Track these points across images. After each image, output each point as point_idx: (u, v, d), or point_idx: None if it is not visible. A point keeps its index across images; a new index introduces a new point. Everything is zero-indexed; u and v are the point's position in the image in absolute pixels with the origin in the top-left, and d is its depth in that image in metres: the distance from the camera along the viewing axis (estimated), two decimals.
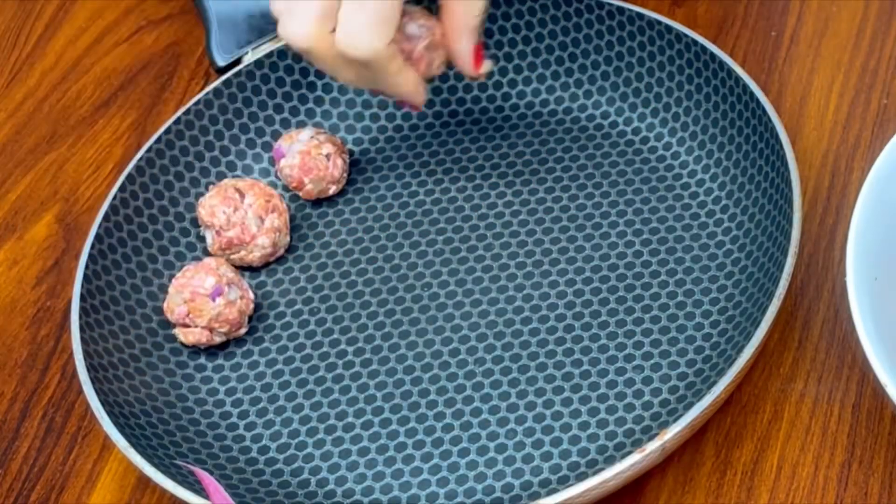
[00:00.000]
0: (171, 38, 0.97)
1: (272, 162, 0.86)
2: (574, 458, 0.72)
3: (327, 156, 0.84)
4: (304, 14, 0.72)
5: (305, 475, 0.74)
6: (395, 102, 0.83)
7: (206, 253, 0.83)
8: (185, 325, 0.78)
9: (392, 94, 0.78)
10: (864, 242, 0.70)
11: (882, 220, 0.71)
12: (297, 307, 0.81)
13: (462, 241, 0.82)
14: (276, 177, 0.86)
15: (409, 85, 0.76)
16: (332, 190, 0.85)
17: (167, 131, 0.85)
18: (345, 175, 0.85)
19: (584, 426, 0.73)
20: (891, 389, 0.65)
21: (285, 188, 0.85)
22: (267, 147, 0.87)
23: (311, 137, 0.84)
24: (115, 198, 0.82)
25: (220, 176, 0.86)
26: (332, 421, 0.76)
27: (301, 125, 0.88)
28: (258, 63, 0.87)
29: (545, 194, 0.83)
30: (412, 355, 0.77)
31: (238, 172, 0.86)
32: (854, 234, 0.70)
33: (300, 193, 0.84)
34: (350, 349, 0.78)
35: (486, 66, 0.78)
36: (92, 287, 0.79)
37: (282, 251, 0.83)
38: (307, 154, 0.83)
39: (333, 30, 0.72)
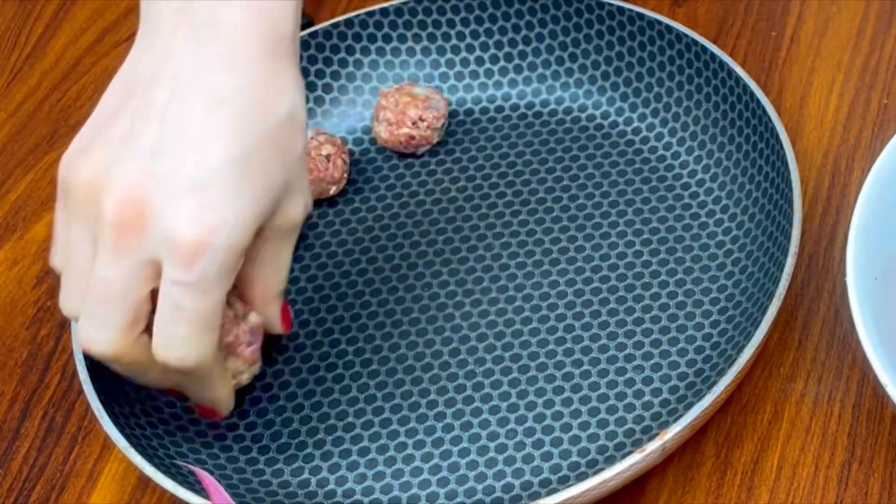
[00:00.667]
0: None
1: None
2: (574, 458, 0.72)
3: (327, 156, 0.84)
4: (110, 320, 0.64)
5: (305, 475, 0.74)
6: (198, 412, 0.74)
7: None
8: None
9: (203, 399, 0.71)
10: (864, 242, 0.70)
11: (882, 220, 0.71)
12: (297, 307, 0.81)
13: (462, 241, 0.82)
14: None
15: (225, 391, 0.71)
16: (333, 190, 0.85)
17: None
18: (345, 175, 0.85)
19: (584, 426, 0.73)
20: (891, 389, 0.65)
21: None
22: None
23: (311, 138, 0.84)
24: None
25: None
26: (332, 421, 0.76)
27: None
28: None
29: (545, 194, 0.83)
30: (412, 355, 0.78)
31: None
32: (854, 234, 0.70)
33: None
34: (350, 349, 0.78)
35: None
36: None
37: None
38: (307, 155, 0.83)
39: (143, 331, 0.65)
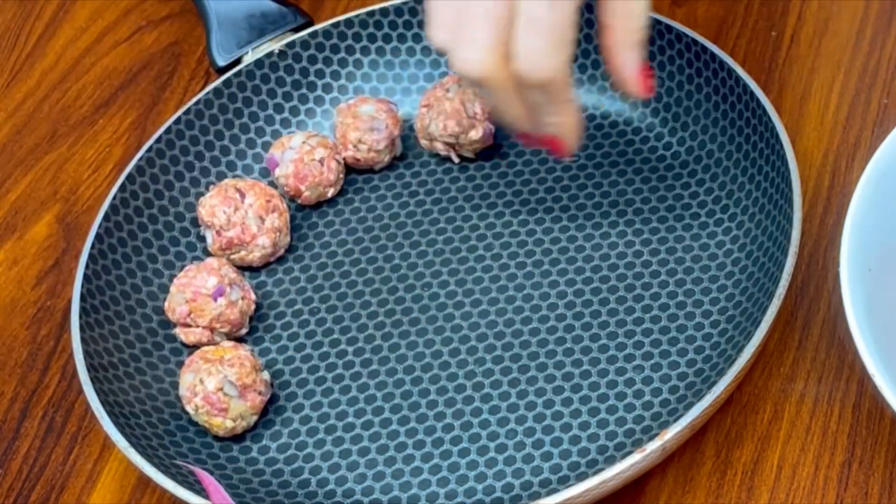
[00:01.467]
0: (171, 37, 0.97)
1: (267, 173, 0.86)
2: (574, 458, 0.72)
3: (321, 160, 0.84)
4: (478, 42, 0.68)
5: (305, 475, 0.74)
6: (548, 149, 0.77)
7: (207, 253, 0.83)
8: (186, 325, 0.78)
9: (558, 127, 0.73)
10: (859, 233, 0.70)
11: (879, 213, 0.71)
12: (297, 307, 0.81)
13: (462, 240, 0.82)
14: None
15: (575, 116, 0.73)
16: (331, 192, 0.85)
17: (167, 131, 0.85)
18: (341, 176, 0.85)
19: (584, 426, 0.73)
20: (878, 380, 0.65)
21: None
22: (267, 147, 0.87)
23: (303, 143, 0.84)
24: (115, 198, 0.82)
25: (221, 176, 0.86)
26: (332, 421, 0.76)
27: (301, 125, 0.88)
28: (258, 63, 0.87)
29: (545, 194, 0.83)
30: (412, 355, 0.77)
31: (238, 172, 0.86)
32: (850, 225, 0.70)
33: (299, 200, 0.84)
34: (350, 349, 0.78)
35: (653, 87, 0.73)
36: (92, 287, 0.79)
37: (282, 251, 0.83)
38: (300, 161, 0.83)
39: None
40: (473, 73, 0.69)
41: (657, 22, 0.83)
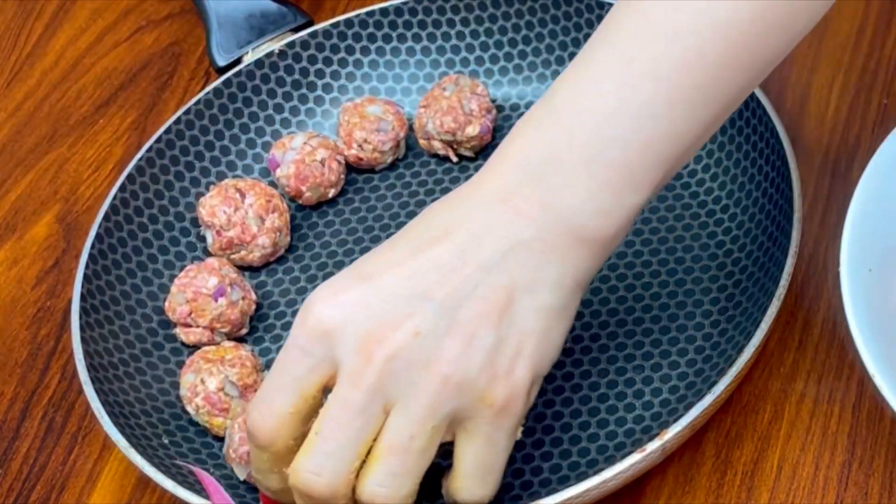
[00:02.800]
0: (171, 37, 0.97)
1: (267, 173, 0.86)
2: (574, 458, 0.72)
3: (322, 161, 0.84)
4: (336, 457, 0.63)
5: None
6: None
7: (207, 253, 0.83)
8: (187, 325, 0.78)
9: None
10: (859, 234, 0.70)
11: (879, 213, 0.71)
12: (297, 307, 0.81)
13: None
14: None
15: None
16: (332, 193, 0.85)
17: (167, 131, 0.85)
18: (342, 177, 0.85)
19: (584, 426, 0.73)
20: (878, 380, 0.65)
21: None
22: (267, 147, 0.87)
23: (304, 143, 0.84)
24: (115, 198, 0.82)
25: (221, 176, 0.86)
26: None
27: (301, 125, 0.88)
28: (258, 63, 0.87)
29: None
30: None
31: (238, 172, 0.86)
32: (850, 225, 0.70)
33: (300, 201, 0.84)
34: None
35: None
36: (92, 287, 0.79)
37: (282, 251, 0.83)
38: (301, 162, 0.83)
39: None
40: (318, 491, 0.63)
41: None
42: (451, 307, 0.62)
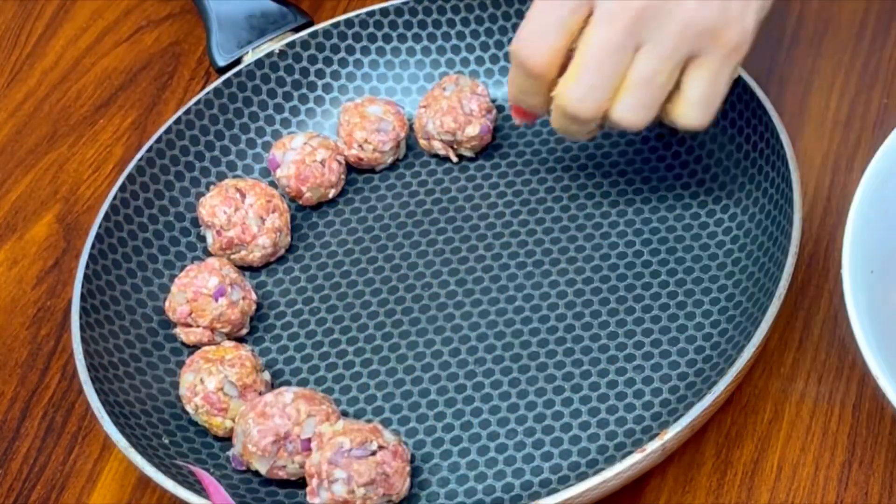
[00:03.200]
0: (172, 37, 0.97)
1: (267, 173, 0.86)
2: (574, 458, 0.72)
3: (322, 162, 0.84)
4: (597, 91, 0.73)
5: None
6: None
7: (207, 253, 0.83)
8: (187, 325, 0.78)
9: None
10: (861, 235, 0.70)
11: (880, 214, 0.71)
12: (297, 307, 0.81)
13: (462, 240, 0.82)
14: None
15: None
16: (332, 193, 0.85)
17: (167, 131, 0.85)
18: (342, 177, 0.85)
19: (584, 426, 0.73)
20: (882, 382, 0.65)
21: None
22: (267, 147, 0.87)
23: (304, 144, 0.84)
24: (115, 198, 0.82)
25: (221, 176, 0.86)
26: None
27: (301, 125, 0.88)
28: (258, 63, 0.87)
29: (545, 194, 0.83)
30: (412, 355, 0.77)
31: (238, 172, 0.86)
32: (851, 227, 0.70)
33: (300, 201, 0.84)
34: (350, 349, 0.78)
35: None
36: (92, 287, 0.79)
37: (282, 251, 0.83)
38: (301, 163, 0.83)
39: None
40: (583, 114, 0.73)
41: None
42: None
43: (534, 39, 0.73)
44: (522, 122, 0.81)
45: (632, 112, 0.73)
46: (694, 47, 0.72)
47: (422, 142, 0.85)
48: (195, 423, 0.76)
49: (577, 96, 0.73)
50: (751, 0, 0.72)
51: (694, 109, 0.74)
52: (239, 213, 0.81)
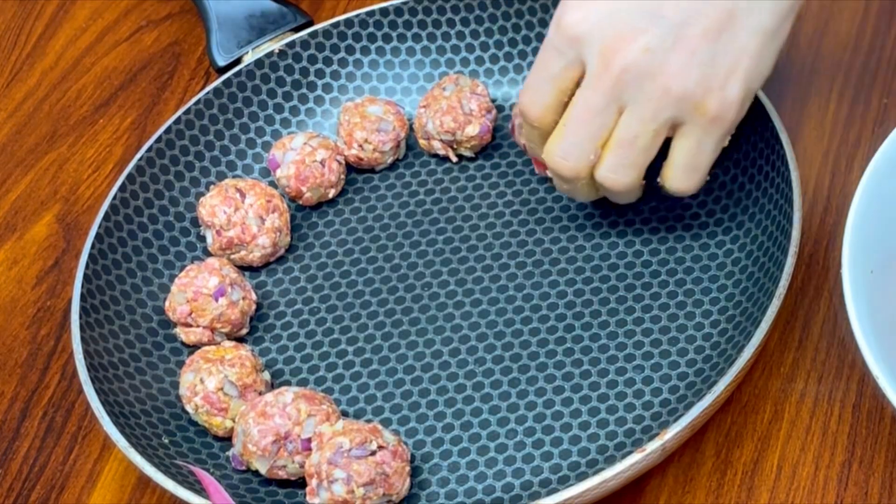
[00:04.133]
0: (171, 37, 0.97)
1: (267, 172, 0.86)
2: (574, 458, 0.72)
3: (322, 162, 0.84)
4: (579, 149, 0.74)
5: None
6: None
7: (207, 253, 0.83)
8: (187, 325, 0.78)
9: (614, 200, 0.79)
10: (860, 235, 0.70)
11: (880, 214, 0.71)
12: (297, 307, 0.81)
13: (462, 240, 0.82)
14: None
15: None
16: (332, 193, 0.85)
17: (167, 131, 0.85)
18: (342, 177, 0.85)
19: (584, 426, 0.73)
20: (882, 382, 0.65)
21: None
22: (267, 147, 0.87)
23: (304, 144, 0.84)
24: (115, 197, 0.82)
25: (221, 176, 0.86)
26: None
27: (301, 125, 0.88)
28: (258, 63, 0.87)
29: (545, 193, 0.83)
30: (412, 355, 0.77)
31: (238, 172, 0.86)
32: (851, 227, 0.70)
33: (300, 201, 0.84)
34: (350, 349, 0.78)
35: None
36: (92, 287, 0.79)
37: (282, 251, 0.83)
38: (301, 163, 0.83)
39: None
40: (565, 172, 0.75)
41: None
42: (679, 24, 0.71)
43: (531, 92, 0.75)
44: (541, 173, 0.83)
45: (614, 172, 0.74)
46: (675, 113, 0.72)
47: (422, 142, 0.85)
48: (195, 423, 0.76)
49: (559, 154, 0.74)
50: (736, 70, 0.71)
51: (678, 175, 0.74)
52: (239, 213, 0.81)
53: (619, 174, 0.74)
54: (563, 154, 0.74)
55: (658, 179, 0.75)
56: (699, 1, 0.70)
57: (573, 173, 0.74)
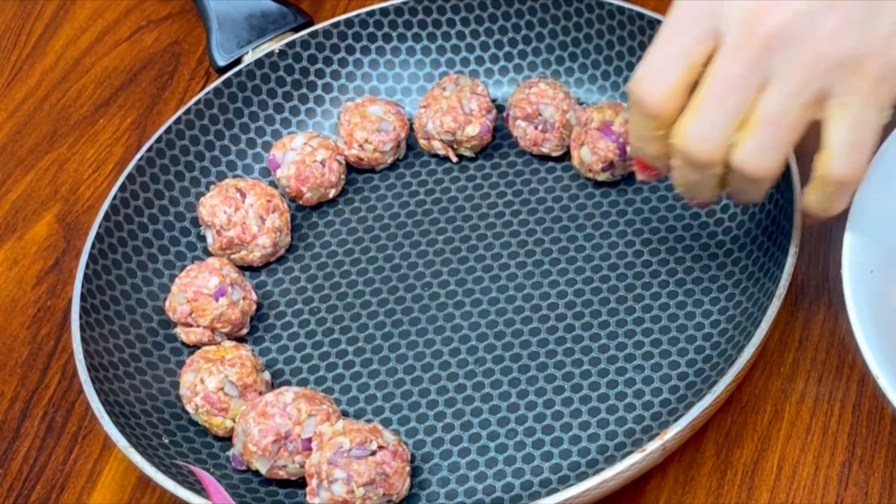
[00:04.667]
0: (172, 37, 0.97)
1: (267, 172, 0.86)
2: (574, 458, 0.72)
3: (322, 162, 0.84)
4: (717, 128, 0.66)
5: None
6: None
7: (207, 253, 0.83)
8: (187, 325, 0.78)
9: (737, 199, 0.72)
10: (861, 235, 0.70)
11: (880, 214, 0.71)
12: (297, 307, 0.81)
13: (462, 240, 0.82)
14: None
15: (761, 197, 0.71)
16: (332, 193, 0.85)
17: (167, 131, 0.85)
18: (342, 177, 0.85)
19: (584, 426, 0.73)
20: (882, 382, 0.65)
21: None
22: (267, 147, 0.87)
23: (304, 144, 0.84)
24: (115, 197, 0.82)
25: (221, 175, 0.86)
26: None
27: (301, 125, 0.88)
28: (258, 63, 0.87)
29: (545, 193, 0.83)
30: (412, 355, 0.78)
31: (238, 172, 0.86)
32: (850, 227, 0.70)
33: (300, 202, 0.84)
34: (350, 349, 0.78)
35: None
36: (92, 287, 0.79)
37: (282, 251, 0.83)
38: (301, 163, 0.83)
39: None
40: (701, 156, 0.67)
41: (657, 21, 0.83)
42: None
43: (652, 75, 0.67)
44: (646, 179, 0.74)
45: (757, 155, 0.66)
46: (830, 82, 0.64)
47: (422, 142, 0.85)
48: (195, 423, 0.76)
49: (696, 134, 0.66)
50: None
51: (842, 157, 0.66)
52: (239, 212, 0.81)
53: (764, 157, 0.66)
54: (700, 135, 0.66)
55: (814, 171, 0.67)
56: None
57: (710, 158, 0.66)
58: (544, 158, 0.85)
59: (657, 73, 0.67)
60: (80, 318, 0.77)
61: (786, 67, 0.64)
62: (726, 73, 0.65)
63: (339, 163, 0.84)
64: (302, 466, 0.72)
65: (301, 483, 0.73)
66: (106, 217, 0.81)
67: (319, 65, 0.89)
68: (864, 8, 0.64)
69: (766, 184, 0.68)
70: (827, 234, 0.80)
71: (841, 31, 0.64)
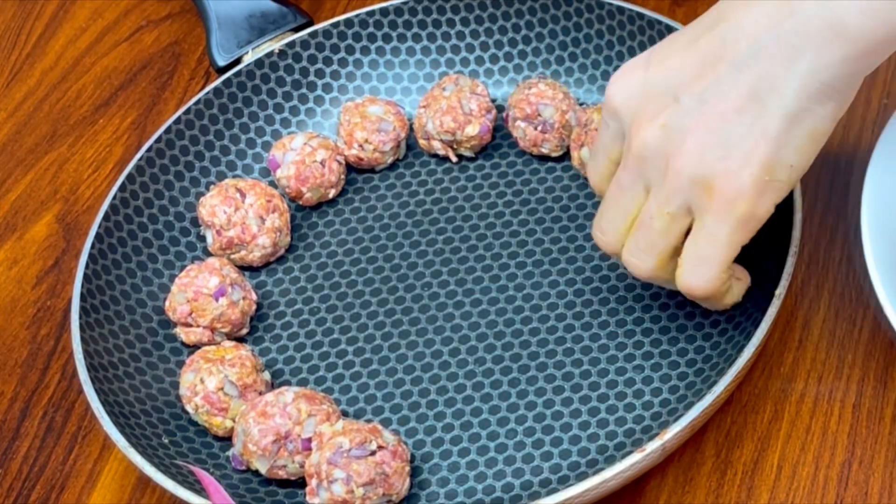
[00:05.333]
0: (171, 37, 0.97)
1: (267, 172, 0.86)
2: (574, 458, 0.72)
3: (322, 162, 0.84)
4: (654, 251, 0.70)
5: None
6: None
7: (207, 253, 0.83)
8: (187, 325, 0.78)
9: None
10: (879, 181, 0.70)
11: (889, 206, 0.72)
12: (297, 307, 0.81)
13: (462, 240, 0.82)
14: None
15: (729, 302, 0.73)
16: (332, 194, 0.85)
17: (167, 131, 0.85)
18: (342, 177, 0.85)
19: (584, 426, 0.73)
20: (888, 311, 0.66)
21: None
22: (267, 147, 0.87)
23: (304, 144, 0.84)
24: (115, 197, 0.82)
25: (221, 175, 0.86)
26: None
27: (301, 125, 0.88)
28: (258, 63, 0.87)
29: (545, 193, 0.83)
30: (412, 355, 0.77)
31: (238, 172, 0.86)
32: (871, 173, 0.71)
33: (300, 202, 0.84)
34: (350, 349, 0.78)
35: None
36: (92, 287, 0.79)
37: (282, 251, 0.83)
38: (301, 163, 0.83)
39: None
40: (604, 247, 0.73)
41: (657, 21, 0.83)
42: (699, 102, 0.66)
43: (591, 160, 0.73)
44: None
45: (633, 255, 0.71)
46: (689, 196, 0.67)
47: (421, 142, 0.85)
48: (195, 423, 0.76)
49: (598, 228, 0.72)
50: (754, 154, 0.66)
51: (686, 268, 0.69)
52: (239, 212, 0.81)
53: (637, 257, 0.70)
54: (601, 229, 0.72)
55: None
56: (719, 80, 0.66)
57: (609, 249, 0.72)
58: (544, 158, 0.85)
59: (592, 160, 0.73)
60: (80, 318, 0.77)
61: (657, 178, 0.68)
62: (618, 176, 0.70)
63: (339, 163, 0.84)
64: (302, 466, 0.72)
65: (301, 483, 0.73)
66: (106, 217, 0.81)
67: (319, 65, 0.89)
68: (725, 130, 0.66)
69: (708, 294, 0.70)
70: (827, 235, 0.80)
71: (700, 150, 0.66)
